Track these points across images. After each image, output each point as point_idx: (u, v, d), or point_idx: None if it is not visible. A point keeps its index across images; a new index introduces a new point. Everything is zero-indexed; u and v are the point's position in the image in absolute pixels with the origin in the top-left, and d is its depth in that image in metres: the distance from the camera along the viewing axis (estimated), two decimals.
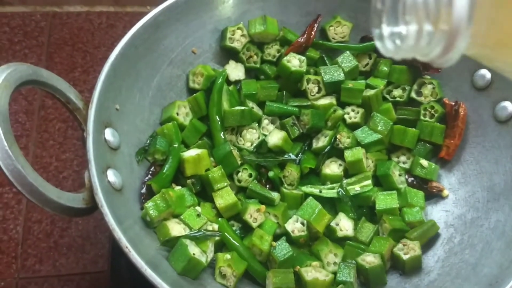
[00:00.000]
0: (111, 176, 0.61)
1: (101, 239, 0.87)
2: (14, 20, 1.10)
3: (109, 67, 0.65)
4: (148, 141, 0.72)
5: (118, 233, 0.54)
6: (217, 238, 0.67)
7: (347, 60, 0.80)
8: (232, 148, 0.73)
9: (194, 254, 0.62)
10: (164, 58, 0.76)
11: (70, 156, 0.95)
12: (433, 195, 0.76)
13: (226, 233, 0.67)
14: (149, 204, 0.64)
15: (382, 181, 0.75)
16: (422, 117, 0.78)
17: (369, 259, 0.68)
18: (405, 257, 0.69)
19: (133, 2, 1.12)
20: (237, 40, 0.81)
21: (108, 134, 0.63)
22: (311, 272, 0.66)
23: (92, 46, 1.08)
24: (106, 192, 0.57)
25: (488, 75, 0.74)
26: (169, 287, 0.53)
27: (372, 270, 0.67)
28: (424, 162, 0.76)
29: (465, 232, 0.71)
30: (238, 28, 0.80)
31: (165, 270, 0.60)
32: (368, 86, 0.79)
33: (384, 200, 0.72)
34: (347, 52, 0.81)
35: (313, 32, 0.81)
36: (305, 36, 0.81)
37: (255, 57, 0.82)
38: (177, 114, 0.75)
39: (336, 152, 0.76)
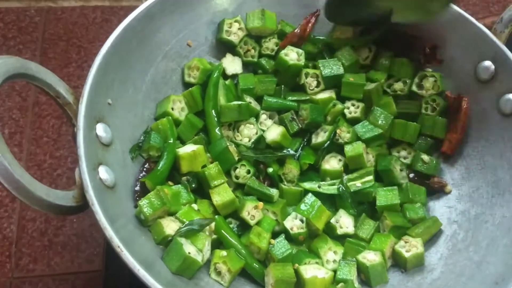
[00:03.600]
0: (103, 173, 0.59)
1: (97, 238, 0.86)
2: (9, 15, 1.08)
3: (101, 60, 0.63)
4: (142, 137, 0.70)
5: (110, 232, 0.52)
6: (213, 236, 0.65)
7: (346, 54, 0.78)
8: (229, 144, 0.71)
9: (189, 253, 0.60)
10: (158, 51, 0.73)
11: (64, 153, 0.93)
12: (436, 191, 0.75)
13: (223, 231, 0.65)
14: (143, 201, 0.62)
15: (382, 177, 0.74)
16: (423, 111, 0.77)
17: (370, 257, 0.66)
18: (407, 254, 0.67)
19: None
20: (234, 33, 0.78)
21: (100, 129, 0.61)
22: (310, 270, 0.64)
23: (86, 41, 1.06)
24: (97, 190, 0.55)
25: (492, 67, 0.72)
26: (162, 287, 0.51)
27: (372, 268, 0.65)
28: (426, 157, 0.74)
29: (469, 229, 0.69)
30: (236, 21, 0.78)
31: (159, 270, 0.58)
32: (369, 80, 0.77)
33: (385, 196, 0.70)
34: (347, 46, 0.79)
35: (309, 25, 0.79)
36: (300, 27, 0.79)
37: (252, 51, 0.80)
38: (172, 109, 0.73)
39: (336, 147, 0.74)
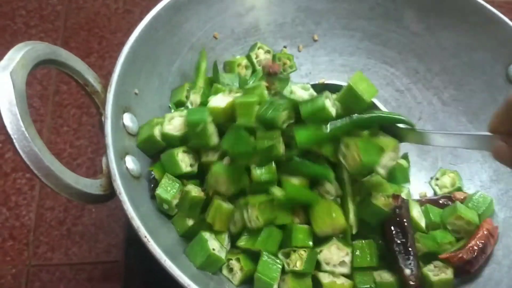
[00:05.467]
0: (130, 162, 0.58)
1: (115, 228, 0.85)
2: (31, 3, 1.08)
3: (129, 49, 0.62)
4: None
5: (137, 222, 0.52)
6: None
7: None
8: None
9: (214, 249, 0.59)
10: (185, 42, 0.73)
11: (84, 142, 0.93)
12: None
13: None
14: (159, 190, 0.61)
15: None
16: None
17: (385, 276, 0.63)
18: (434, 278, 0.63)
19: None
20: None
21: (127, 119, 0.61)
22: (329, 277, 0.61)
23: (108, 32, 1.06)
24: (124, 179, 0.55)
25: None
26: (189, 280, 0.50)
27: (380, 286, 0.62)
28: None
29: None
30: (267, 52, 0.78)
31: (183, 261, 0.57)
32: None
33: None
34: None
35: None
36: None
37: None
38: (186, 97, 0.71)
39: None
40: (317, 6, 0.80)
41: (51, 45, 0.55)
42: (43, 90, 0.98)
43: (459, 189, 0.73)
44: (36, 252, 0.83)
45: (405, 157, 0.72)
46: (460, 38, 0.75)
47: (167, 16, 0.69)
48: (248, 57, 0.77)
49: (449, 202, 0.67)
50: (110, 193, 0.55)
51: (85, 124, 0.95)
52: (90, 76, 0.59)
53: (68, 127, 0.94)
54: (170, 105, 0.71)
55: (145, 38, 0.65)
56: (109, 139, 0.55)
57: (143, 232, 0.51)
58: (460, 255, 0.63)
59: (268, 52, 0.78)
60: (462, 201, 0.70)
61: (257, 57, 0.77)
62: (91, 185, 0.53)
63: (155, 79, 0.68)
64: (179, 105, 0.70)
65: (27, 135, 0.47)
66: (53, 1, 1.09)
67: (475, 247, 0.63)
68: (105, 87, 0.60)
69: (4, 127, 0.49)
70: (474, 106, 0.76)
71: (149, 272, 0.75)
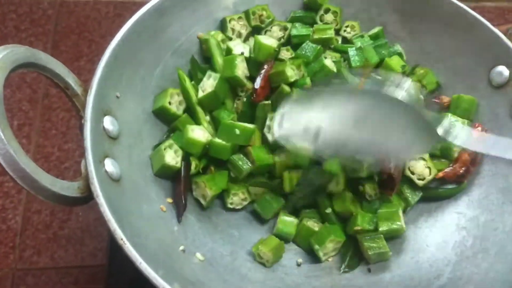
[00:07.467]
0: (109, 166, 0.58)
1: (101, 232, 0.85)
2: (21, 7, 1.09)
3: (110, 53, 0.62)
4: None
5: (113, 224, 0.52)
6: None
7: None
8: None
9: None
10: (168, 47, 0.73)
11: (72, 146, 0.93)
12: None
13: None
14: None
15: None
16: None
17: None
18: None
19: None
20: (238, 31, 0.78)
21: (107, 122, 0.61)
22: None
23: (98, 36, 1.06)
24: (102, 182, 0.55)
25: (506, 72, 0.71)
26: (165, 282, 0.50)
27: None
28: None
29: (478, 235, 0.68)
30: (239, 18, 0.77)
31: (163, 265, 0.57)
32: None
33: None
34: None
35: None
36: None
37: None
38: (170, 103, 0.71)
39: None
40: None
41: (31, 48, 0.55)
42: (33, 94, 0.98)
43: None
44: (22, 256, 0.83)
45: None
46: (444, 43, 0.76)
47: (150, 20, 0.69)
48: (225, 34, 0.76)
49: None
50: (88, 196, 0.55)
51: (74, 128, 0.95)
52: (71, 79, 0.59)
53: (56, 131, 0.95)
54: (152, 110, 0.71)
55: (128, 42, 0.65)
56: (87, 142, 0.55)
57: (119, 234, 0.52)
58: (456, 169, 0.71)
59: (240, 18, 0.77)
60: (448, 104, 0.75)
61: (233, 31, 0.77)
62: (68, 188, 0.53)
63: (138, 82, 0.68)
64: (161, 110, 0.70)
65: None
66: (44, 5, 1.10)
67: (466, 159, 0.71)
68: (86, 90, 0.60)
69: None
70: None
71: (134, 276, 0.74)
